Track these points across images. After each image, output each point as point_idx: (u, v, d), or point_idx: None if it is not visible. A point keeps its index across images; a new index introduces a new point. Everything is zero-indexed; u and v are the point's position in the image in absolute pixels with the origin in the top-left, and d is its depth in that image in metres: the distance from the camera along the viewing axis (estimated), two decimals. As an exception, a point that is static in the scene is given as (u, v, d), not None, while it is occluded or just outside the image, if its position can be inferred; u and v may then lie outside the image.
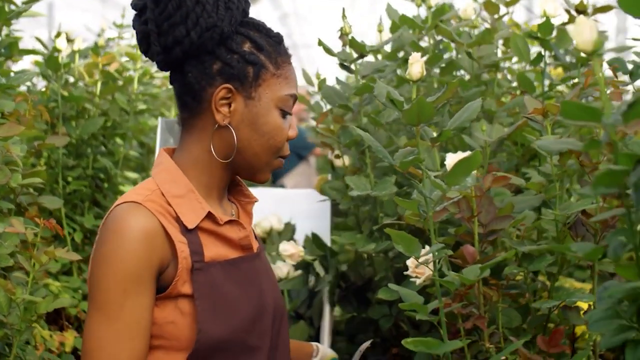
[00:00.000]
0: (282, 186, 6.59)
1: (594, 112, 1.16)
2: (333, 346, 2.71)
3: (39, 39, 3.41)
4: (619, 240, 1.28)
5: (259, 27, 1.70)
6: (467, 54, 2.42)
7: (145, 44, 1.68)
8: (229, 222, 1.70)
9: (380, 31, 2.55)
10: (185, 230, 1.62)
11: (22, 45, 2.95)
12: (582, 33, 1.19)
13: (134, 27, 1.71)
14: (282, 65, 1.70)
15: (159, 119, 2.96)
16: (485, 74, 2.76)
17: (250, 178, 1.75)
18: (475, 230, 1.88)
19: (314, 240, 2.63)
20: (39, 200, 2.57)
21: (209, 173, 1.69)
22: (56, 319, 2.82)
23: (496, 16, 2.72)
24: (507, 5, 2.75)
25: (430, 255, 1.72)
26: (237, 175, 1.78)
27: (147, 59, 1.81)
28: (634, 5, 1.26)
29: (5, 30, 2.81)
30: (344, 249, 2.62)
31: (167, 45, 1.64)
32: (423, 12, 2.75)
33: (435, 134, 1.72)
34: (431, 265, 1.85)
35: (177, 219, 1.62)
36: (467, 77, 2.74)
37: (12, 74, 2.27)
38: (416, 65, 1.65)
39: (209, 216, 1.66)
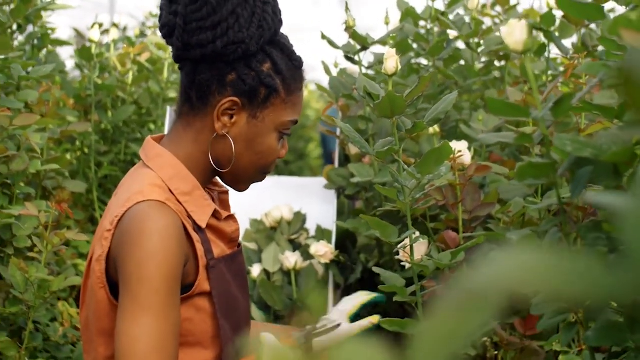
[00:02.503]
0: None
1: (520, 108, 1.24)
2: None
3: (75, 29, 3.55)
4: (553, 229, 1.37)
5: (284, 49, 1.68)
6: (466, 45, 2.48)
7: (168, 33, 1.64)
8: (226, 217, 1.73)
9: (387, 23, 2.62)
10: (197, 229, 1.62)
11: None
12: (512, 34, 1.26)
13: (161, 10, 1.66)
14: (294, 91, 1.69)
15: (168, 108, 3.06)
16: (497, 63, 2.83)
17: (230, 186, 1.77)
18: (459, 216, 1.96)
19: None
20: (64, 184, 2.70)
21: (198, 172, 1.68)
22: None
23: (507, 7, 2.78)
24: (519, -4, 2.81)
25: (407, 240, 1.80)
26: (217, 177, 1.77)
27: None
28: (571, 6, 1.34)
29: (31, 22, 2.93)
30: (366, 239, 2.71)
31: (189, 44, 1.60)
32: (440, 2, 2.81)
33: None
34: (418, 250, 1.95)
35: (189, 217, 1.61)
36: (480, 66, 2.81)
37: (31, 68, 2.40)
38: (391, 61, 1.72)
39: (213, 212, 1.68)
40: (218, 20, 1.58)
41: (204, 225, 1.63)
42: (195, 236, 1.60)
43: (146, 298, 1.47)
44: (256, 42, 1.62)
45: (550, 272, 0.37)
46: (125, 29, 4.96)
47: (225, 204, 1.84)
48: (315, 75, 10.40)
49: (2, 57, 2.23)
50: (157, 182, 1.61)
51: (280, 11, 1.68)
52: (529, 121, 1.93)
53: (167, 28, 1.64)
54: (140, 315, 1.47)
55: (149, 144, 1.70)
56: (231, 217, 1.76)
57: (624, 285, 0.36)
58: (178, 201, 1.61)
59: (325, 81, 2.72)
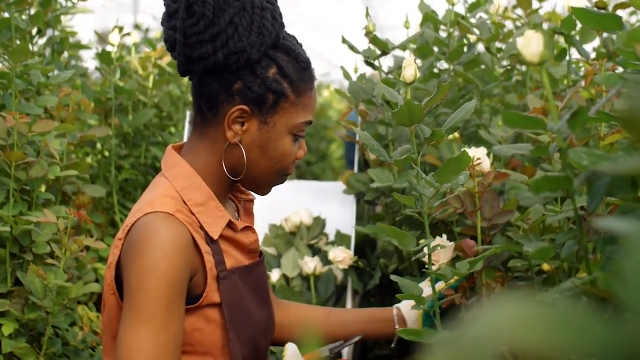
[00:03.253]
0: None
1: (535, 121, 1.22)
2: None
3: (96, 32, 3.56)
4: (571, 241, 1.35)
5: (289, 51, 1.67)
6: (487, 49, 2.47)
7: (170, 48, 1.66)
8: (244, 228, 1.74)
9: (407, 27, 2.60)
10: (209, 240, 1.64)
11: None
12: (529, 45, 1.25)
13: (162, 25, 1.68)
14: (304, 93, 1.69)
15: (188, 112, 3.06)
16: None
17: (252, 191, 1.79)
18: (478, 224, 1.95)
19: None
20: (84, 189, 2.71)
21: (217, 181, 1.70)
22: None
23: (529, 11, 2.76)
24: (541, 0, 2.79)
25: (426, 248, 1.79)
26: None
27: None
28: (588, 17, 1.33)
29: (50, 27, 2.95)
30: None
31: (191, 58, 1.62)
32: (461, 7, 2.80)
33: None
34: (445, 255, 1.95)
35: (201, 228, 1.63)
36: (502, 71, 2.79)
37: (51, 73, 2.41)
38: (409, 69, 1.71)
39: (228, 223, 1.69)
40: (217, 32, 1.59)
41: (215, 237, 1.65)
42: (205, 248, 1.62)
43: (146, 309, 1.51)
44: (258, 50, 1.62)
45: (544, 326, 0.36)
46: (147, 30, 4.98)
47: (249, 213, 1.86)
48: (338, 74, 10.37)
49: (22, 63, 2.23)
50: (170, 193, 1.64)
51: (280, 15, 1.68)
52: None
53: (169, 43, 1.65)
54: (140, 325, 1.50)
55: (169, 153, 1.73)
56: (249, 228, 1.76)
57: (621, 340, 0.36)
58: (191, 212, 1.63)
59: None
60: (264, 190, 1.77)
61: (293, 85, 1.66)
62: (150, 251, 1.52)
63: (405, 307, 2.00)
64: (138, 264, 1.52)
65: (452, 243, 1.99)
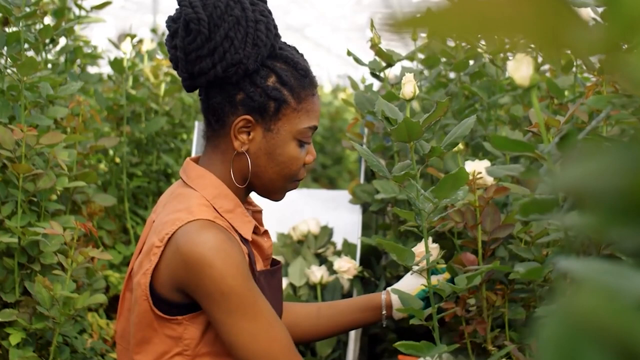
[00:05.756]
0: None
1: (524, 144, 1.24)
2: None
3: (110, 40, 3.59)
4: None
5: (287, 60, 1.75)
6: (490, 62, 2.48)
7: (175, 66, 1.76)
8: (263, 232, 1.84)
9: (414, 40, 2.61)
10: (244, 243, 1.72)
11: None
12: (519, 69, 1.26)
13: (165, 46, 1.78)
14: (304, 99, 1.76)
15: (196, 122, 3.08)
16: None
17: (265, 197, 1.85)
18: (479, 237, 1.96)
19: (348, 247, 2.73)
20: (94, 198, 2.74)
21: (234, 190, 1.77)
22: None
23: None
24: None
25: (424, 262, 1.80)
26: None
27: None
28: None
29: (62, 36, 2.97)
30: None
31: (193, 73, 1.71)
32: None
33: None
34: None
35: (235, 231, 1.72)
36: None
37: (60, 86, 2.43)
38: (408, 86, 1.73)
39: (254, 228, 1.78)
40: (214, 47, 1.67)
41: (249, 238, 1.74)
42: (244, 248, 1.70)
43: (240, 308, 1.61)
44: (254, 60, 1.69)
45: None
46: (164, 34, 5.00)
47: (259, 223, 1.91)
48: (358, 76, 10.35)
49: (32, 75, 2.26)
50: (203, 202, 1.71)
51: (275, 26, 1.75)
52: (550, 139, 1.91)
53: (173, 62, 1.75)
54: (247, 324, 1.61)
55: (189, 165, 1.81)
56: (266, 233, 1.86)
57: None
58: (224, 218, 1.71)
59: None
60: (277, 196, 1.84)
61: (293, 91, 1.74)
62: (212, 258, 1.59)
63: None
64: (207, 273, 1.59)
65: (437, 245, 2.06)
